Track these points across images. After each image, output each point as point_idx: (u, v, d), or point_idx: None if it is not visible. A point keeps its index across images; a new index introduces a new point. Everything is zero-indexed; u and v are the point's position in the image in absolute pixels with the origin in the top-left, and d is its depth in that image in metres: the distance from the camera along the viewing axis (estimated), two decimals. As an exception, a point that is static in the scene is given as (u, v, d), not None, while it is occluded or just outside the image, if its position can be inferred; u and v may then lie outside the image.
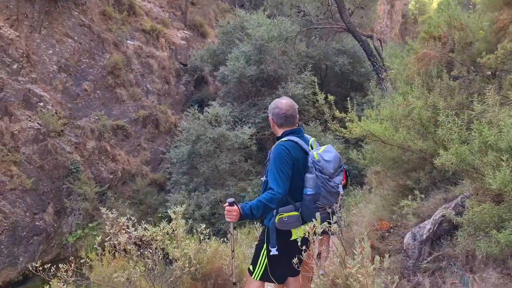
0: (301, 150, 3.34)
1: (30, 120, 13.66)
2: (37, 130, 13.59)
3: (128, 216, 4.31)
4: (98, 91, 16.55)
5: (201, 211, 13.75)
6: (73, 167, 14.26)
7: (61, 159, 14.03)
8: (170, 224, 4.34)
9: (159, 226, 4.21)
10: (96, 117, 15.87)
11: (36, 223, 12.97)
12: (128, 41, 18.60)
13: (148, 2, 21.88)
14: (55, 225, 13.63)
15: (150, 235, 4.00)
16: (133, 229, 4.11)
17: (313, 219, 3.21)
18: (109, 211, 4.35)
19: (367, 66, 21.15)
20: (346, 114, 4.66)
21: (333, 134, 15.53)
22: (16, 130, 13.20)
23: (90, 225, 14.36)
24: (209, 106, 15.93)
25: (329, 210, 3.23)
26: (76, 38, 16.26)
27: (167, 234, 4.38)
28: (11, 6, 14.41)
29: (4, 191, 12.41)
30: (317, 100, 4.92)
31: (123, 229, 4.17)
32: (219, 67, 17.98)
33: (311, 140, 3.56)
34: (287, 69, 17.06)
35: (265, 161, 3.55)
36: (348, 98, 4.47)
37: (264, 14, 18.38)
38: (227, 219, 3.12)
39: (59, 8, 15.86)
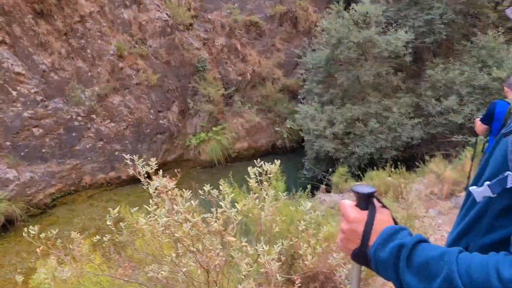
0: None
1: (158, 10, 12.62)
2: (165, 22, 12.54)
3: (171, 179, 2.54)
4: (233, -19, 14.72)
5: (334, 128, 11.74)
6: (200, 65, 13.18)
7: (188, 55, 12.99)
8: (252, 196, 2.46)
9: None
10: (228, 11, 14.23)
11: (160, 121, 12.49)
12: None
13: None
14: (179, 125, 13.06)
15: (199, 230, 2.19)
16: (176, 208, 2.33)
17: None
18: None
19: None
20: None
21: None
22: (144, 20, 12.30)
23: (214, 128, 13.54)
24: (358, 2, 12.98)
25: None
26: None
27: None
28: None
29: (130, 85, 11.94)
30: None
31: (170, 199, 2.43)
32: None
33: None
34: (467, -46, 12.84)
35: (498, 133, 1.04)
36: None
37: None
38: (341, 248, 1.10)
39: None
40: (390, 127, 11.59)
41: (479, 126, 4.61)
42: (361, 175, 8.93)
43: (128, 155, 2.86)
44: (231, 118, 13.95)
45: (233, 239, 2.11)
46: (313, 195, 8.37)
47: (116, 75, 11.67)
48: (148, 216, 2.27)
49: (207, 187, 2.44)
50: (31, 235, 2.58)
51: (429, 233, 4.23)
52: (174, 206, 2.20)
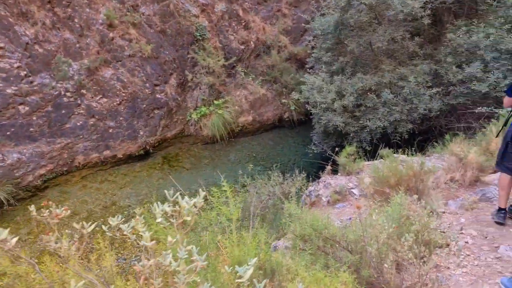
0: None
1: (151, -26, 11.59)
2: (159, -13, 11.52)
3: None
4: None
5: (343, 101, 10.80)
6: (198, 34, 12.20)
7: (185, 23, 12.00)
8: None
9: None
10: (229, -27, 13.10)
11: (157, 95, 11.66)
12: None
13: None
14: (179, 99, 12.22)
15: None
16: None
17: None
18: None
19: None
20: None
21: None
22: (136, -15, 11.31)
23: (216, 102, 12.68)
24: (370, -41, 11.70)
25: None
26: None
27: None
28: None
29: (123, 57, 11.08)
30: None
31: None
32: None
33: None
34: None
35: None
36: None
37: None
38: None
39: None
40: (405, 98, 10.60)
41: (506, 100, 3.89)
42: (368, 156, 7.99)
43: None
44: (234, 90, 13.04)
45: None
46: (318, 177, 7.56)
47: (106, 46, 10.80)
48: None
49: (113, 221, 1.62)
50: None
51: (450, 239, 3.39)
52: None
